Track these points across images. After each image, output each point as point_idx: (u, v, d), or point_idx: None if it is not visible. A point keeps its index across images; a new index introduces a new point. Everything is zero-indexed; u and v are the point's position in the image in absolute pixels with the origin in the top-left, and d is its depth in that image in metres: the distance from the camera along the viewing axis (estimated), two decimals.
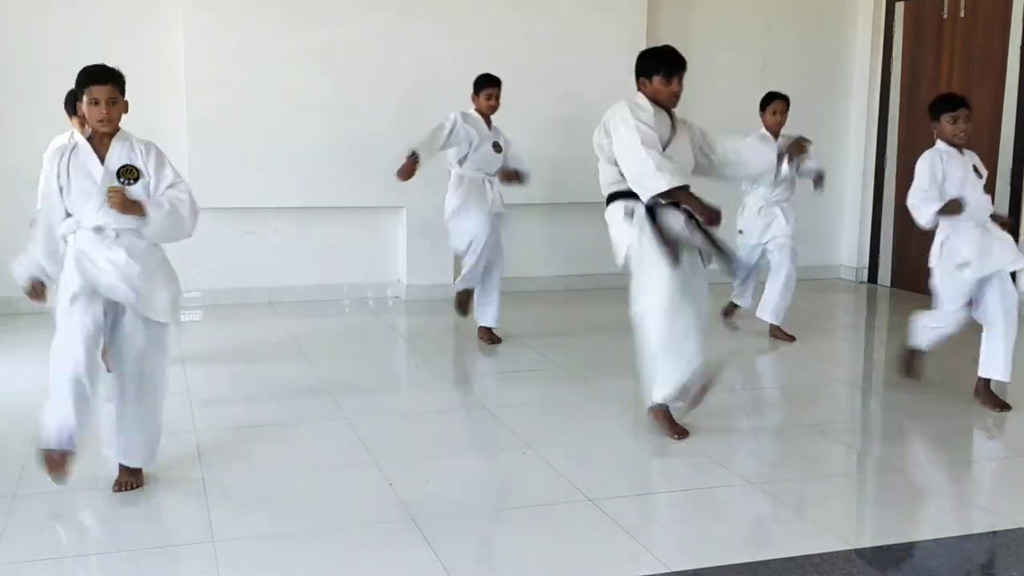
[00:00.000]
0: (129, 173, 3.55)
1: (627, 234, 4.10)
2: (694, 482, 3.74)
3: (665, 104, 4.18)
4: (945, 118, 4.58)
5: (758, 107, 6.01)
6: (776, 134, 5.91)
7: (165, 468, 3.84)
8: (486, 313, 6.00)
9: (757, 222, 6.00)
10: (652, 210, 4.07)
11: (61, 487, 3.48)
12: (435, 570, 2.97)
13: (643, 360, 4.20)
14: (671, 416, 4.21)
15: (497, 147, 5.90)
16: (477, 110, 5.90)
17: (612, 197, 4.21)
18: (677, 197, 4.00)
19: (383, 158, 6.95)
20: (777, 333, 6.02)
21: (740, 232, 6.07)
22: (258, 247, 6.98)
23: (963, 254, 4.53)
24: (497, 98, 5.87)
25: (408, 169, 5.71)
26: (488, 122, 5.91)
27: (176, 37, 6.53)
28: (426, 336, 6.31)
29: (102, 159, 3.55)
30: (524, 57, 7.06)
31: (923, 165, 4.58)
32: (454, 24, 6.95)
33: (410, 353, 6.01)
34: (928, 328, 4.75)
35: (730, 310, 6.33)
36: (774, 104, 5.94)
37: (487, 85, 5.85)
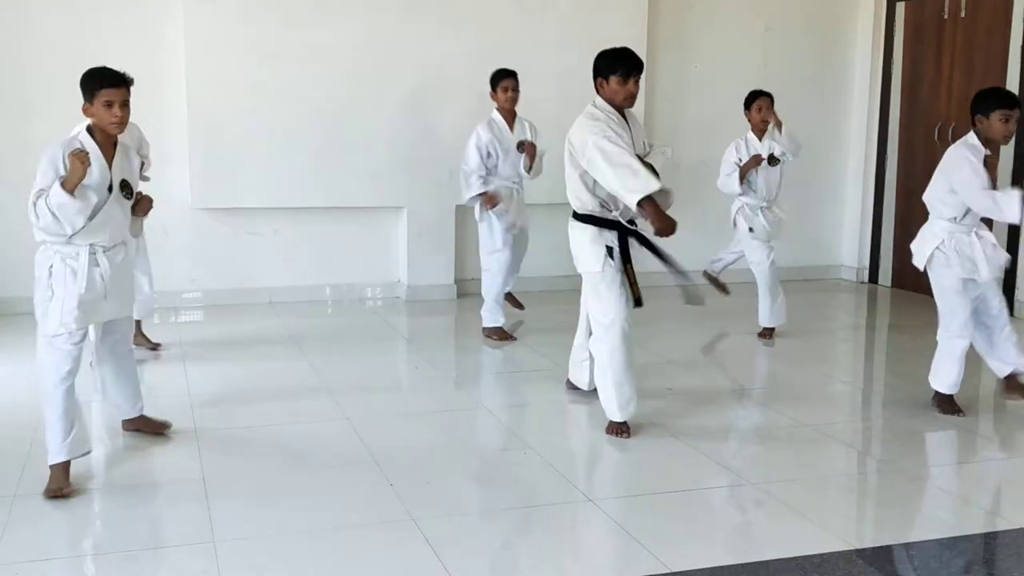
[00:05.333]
0: (125, 188, 3.65)
1: (598, 261, 4.14)
2: (694, 482, 3.74)
3: (621, 105, 4.18)
4: (997, 115, 4.31)
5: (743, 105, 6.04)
6: (762, 132, 5.94)
7: (165, 468, 3.84)
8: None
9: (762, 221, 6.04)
10: (624, 245, 4.14)
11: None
12: (435, 570, 2.97)
13: (604, 380, 4.25)
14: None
15: (520, 146, 5.86)
16: (498, 108, 5.89)
17: (581, 216, 4.22)
18: (645, 203, 3.96)
19: (383, 158, 6.97)
20: (764, 334, 6.10)
21: (751, 230, 6.04)
22: (258, 247, 6.98)
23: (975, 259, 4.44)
24: (515, 88, 5.84)
25: (491, 199, 5.81)
26: (511, 120, 5.89)
27: (176, 37, 6.53)
28: (426, 336, 6.31)
29: (109, 163, 3.56)
30: (525, 57, 7.03)
31: (968, 161, 4.38)
32: (455, 24, 6.94)
33: (410, 353, 6.01)
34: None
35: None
36: (758, 102, 5.94)
37: (503, 78, 5.82)
